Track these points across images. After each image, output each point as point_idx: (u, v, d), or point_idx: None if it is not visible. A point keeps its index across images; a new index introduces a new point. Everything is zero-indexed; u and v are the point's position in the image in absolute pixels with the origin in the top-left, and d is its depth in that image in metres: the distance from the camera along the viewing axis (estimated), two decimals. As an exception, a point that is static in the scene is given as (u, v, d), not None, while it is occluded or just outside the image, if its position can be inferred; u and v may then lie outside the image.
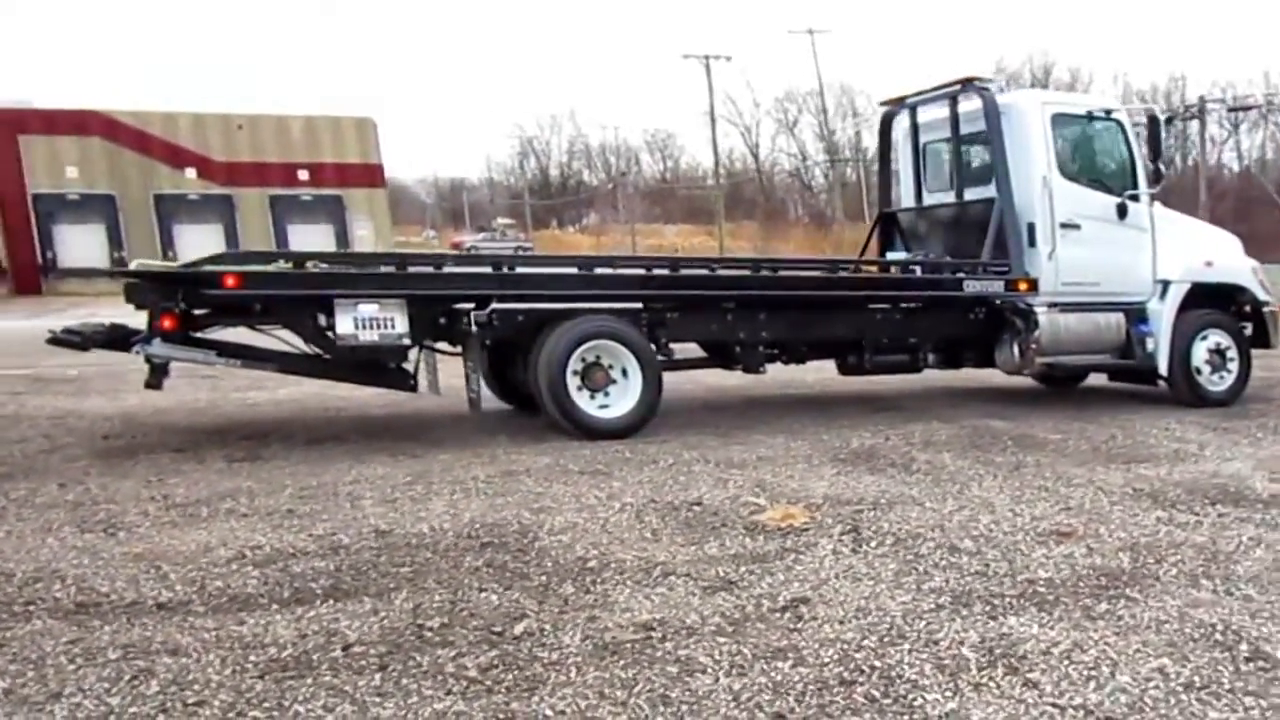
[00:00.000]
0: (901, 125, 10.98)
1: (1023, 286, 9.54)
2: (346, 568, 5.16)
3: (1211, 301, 10.21)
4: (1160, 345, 9.84)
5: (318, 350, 8.36)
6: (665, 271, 9.41)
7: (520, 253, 42.70)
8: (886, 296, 9.80)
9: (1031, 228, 9.62)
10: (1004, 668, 3.93)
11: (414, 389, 8.88)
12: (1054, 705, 3.63)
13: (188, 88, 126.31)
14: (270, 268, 8.20)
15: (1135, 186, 9.87)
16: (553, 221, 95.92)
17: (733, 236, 65.33)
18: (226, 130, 38.50)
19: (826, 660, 4.00)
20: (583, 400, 8.46)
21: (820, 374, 11.77)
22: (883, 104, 11.05)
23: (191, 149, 37.77)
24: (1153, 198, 10.10)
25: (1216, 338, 10.12)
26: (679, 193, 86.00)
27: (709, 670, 3.90)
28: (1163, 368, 9.91)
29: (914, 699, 3.67)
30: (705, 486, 6.84)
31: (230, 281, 7.72)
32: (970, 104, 9.93)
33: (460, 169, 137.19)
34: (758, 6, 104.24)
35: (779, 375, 11.48)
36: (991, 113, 9.63)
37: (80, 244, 36.16)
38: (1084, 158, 10.34)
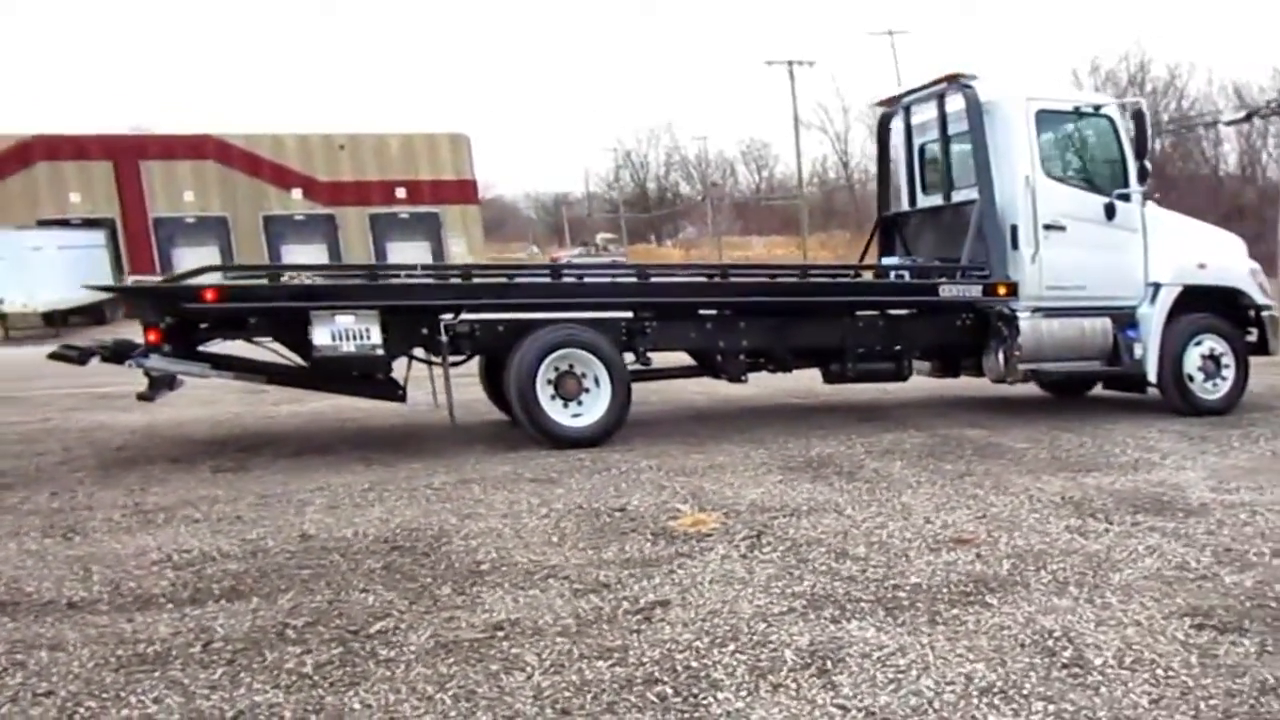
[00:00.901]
0: (898, 126, 10.91)
1: (1002, 290, 9.40)
2: (255, 570, 5.48)
3: (1207, 305, 9.90)
4: (1149, 351, 9.57)
5: (303, 362, 8.70)
6: (632, 279, 9.55)
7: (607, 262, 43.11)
8: (856, 303, 9.72)
9: (1014, 229, 9.43)
10: (815, 670, 4.04)
11: (402, 399, 9.19)
12: (840, 707, 3.73)
13: (288, 106, 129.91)
14: (246, 281, 8.57)
15: (1126, 185, 9.63)
16: (650, 235, 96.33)
17: (821, 247, 64.63)
18: (329, 150, 39.57)
19: (646, 661, 4.16)
20: (555, 409, 8.67)
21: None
22: (877, 104, 10.99)
23: (297, 170, 38.90)
24: (1145, 197, 9.85)
25: (1211, 343, 9.74)
26: (772, 204, 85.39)
27: (527, 669, 4.09)
28: (1152, 375, 9.64)
29: (705, 699, 3.80)
30: (641, 493, 7.01)
31: (209, 295, 8.14)
32: (960, 103, 9.81)
33: (563, 184, 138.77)
34: (844, 10, 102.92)
35: (794, 385, 11.54)
36: (973, 110, 9.48)
37: (196, 266, 37.51)
38: (1072, 156, 10.13)
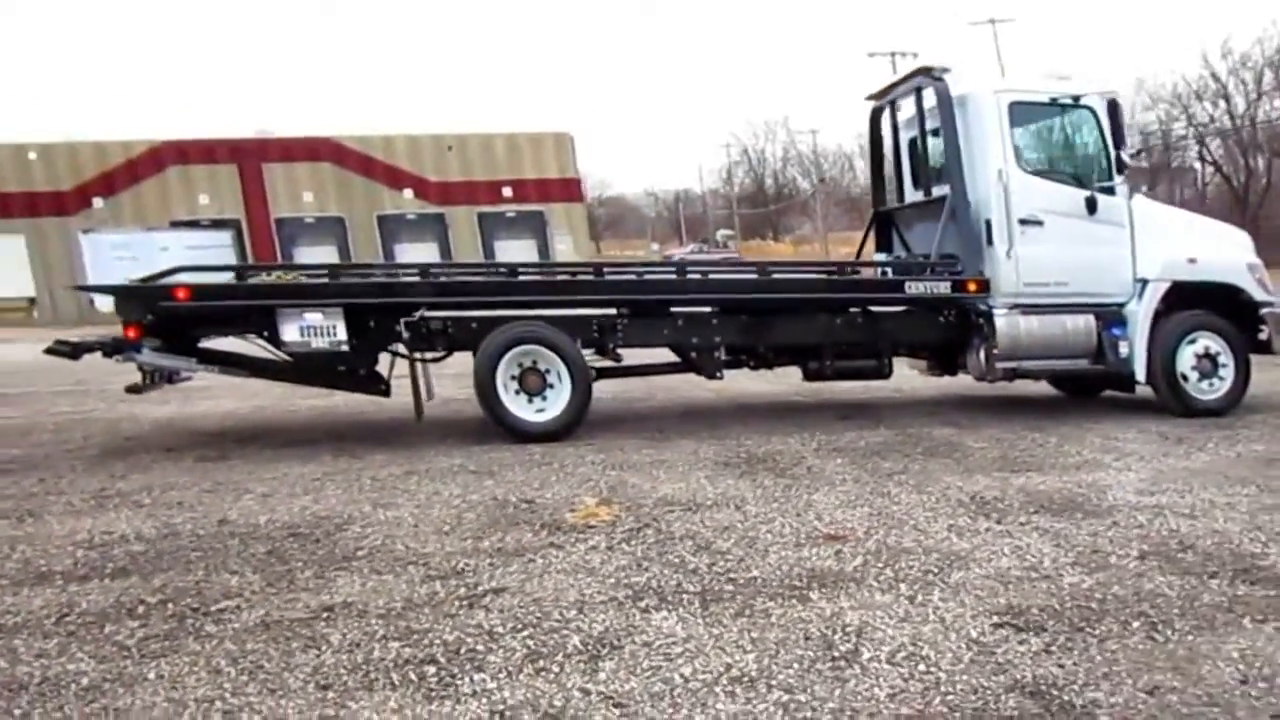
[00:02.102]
0: (887, 120, 10.81)
1: (972, 287, 9.25)
2: (154, 552, 5.85)
3: (1205, 302, 9.57)
4: (1136, 349, 9.30)
5: (283, 357, 9.12)
6: (589, 277, 9.71)
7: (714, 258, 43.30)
8: (818, 300, 9.68)
9: (989, 224, 9.29)
10: (588, 656, 4.19)
11: (386, 394, 9.53)
12: (583, 690, 3.87)
13: (400, 108, 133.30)
14: (213, 281, 9.00)
15: (1111, 178, 9.37)
16: (768, 231, 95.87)
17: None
18: (438, 151, 40.56)
19: (439, 643, 4.36)
20: (517, 404, 8.91)
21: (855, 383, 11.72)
22: (868, 98, 10.90)
23: (408, 170, 39.98)
24: (1134, 190, 9.56)
25: (1206, 341, 9.39)
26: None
27: (324, 648, 4.33)
28: (1140, 374, 9.37)
29: (462, 679, 3.99)
30: (563, 486, 7.20)
31: (181, 294, 8.61)
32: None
33: (685, 181, 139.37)
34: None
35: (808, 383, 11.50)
36: (944, 104, 9.32)
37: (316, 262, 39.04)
38: (1050, 148, 9.86)
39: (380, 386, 9.40)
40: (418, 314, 8.77)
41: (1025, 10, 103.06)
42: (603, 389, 10.85)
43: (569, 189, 43.49)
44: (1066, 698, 3.71)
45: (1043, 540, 5.65)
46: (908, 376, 11.42)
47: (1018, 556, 5.36)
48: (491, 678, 3.99)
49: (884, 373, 9.80)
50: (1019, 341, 9.22)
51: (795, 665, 4.04)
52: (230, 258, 33.36)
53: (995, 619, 4.49)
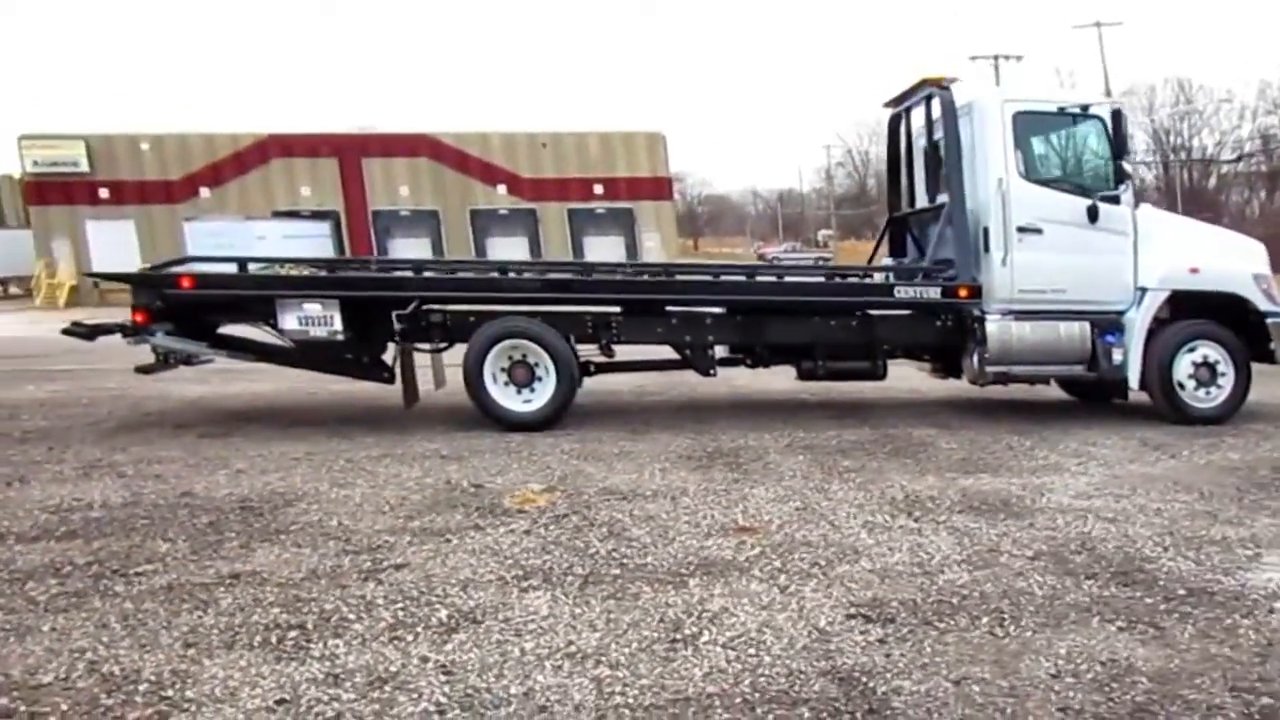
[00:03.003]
0: (903, 128, 10.84)
1: (962, 293, 9.25)
2: (109, 518, 6.23)
3: (1208, 312, 9.42)
4: (1130, 357, 9.19)
5: (289, 344, 9.52)
6: (570, 276, 9.91)
7: (819, 263, 43.28)
8: (809, 303, 9.75)
9: (987, 232, 9.29)
10: (448, 628, 4.43)
11: (390, 381, 9.85)
12: (423, 659, 4.10)
13: (497, 105, 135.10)
14: (216, 270, 9.44)
15: (1115, 187, 9.28)
16: (868, 231, 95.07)
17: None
18: (532, 148, 41.32)
19: (316, 611, 4.62)
20: (507, 395, 9.18)
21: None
22: (885, 105, 10.92)
23: (502, 166, 40.82)
24: (1137, 199, 9.47)
25: (1205, 350, 9.25)
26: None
27: (208, 610, 4.63)
28: (1133, 381, 9.25)
29: (318, 643, 4.25)
30: (516, 473, 7.44)
31: (185, 283, 9.07)
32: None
33: (784, 180, 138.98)
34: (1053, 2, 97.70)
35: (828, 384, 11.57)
36: (948, 112, 9.38)
37: (410, 256, 39.98)
38: (1055, 158, 9.79)
39: (384, 375, 9.73)
40: (411, 307, 9.06)
41: (1134, 12, 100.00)
42: (620, 382, 11.11)
43: (659, 187, 43.79)
44: (871, 685, 3.82)
45: (948, 538, 5.71)
46: (925, 379, 11.41)
47: (912, 553, 5.44)
48: (346, 644, 4.24)
49: (878, 374, 9.84)
50: (1010, 347, 9.20)
51: (633, 645, 4.21)
52: (329, 248, 34.49)
53: (852, 610, 4.59)
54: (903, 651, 4.13)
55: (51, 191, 34.70)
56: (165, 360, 9.81)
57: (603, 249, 39.73)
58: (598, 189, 42.44)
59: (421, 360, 9.78)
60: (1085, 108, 9.38)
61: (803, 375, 9.95)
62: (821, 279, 10.40)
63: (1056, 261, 9.23)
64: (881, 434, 8.99)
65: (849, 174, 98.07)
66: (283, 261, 10.71)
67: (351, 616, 4.55)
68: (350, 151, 39.11)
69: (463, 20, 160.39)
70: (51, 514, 6.35)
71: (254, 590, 4.90)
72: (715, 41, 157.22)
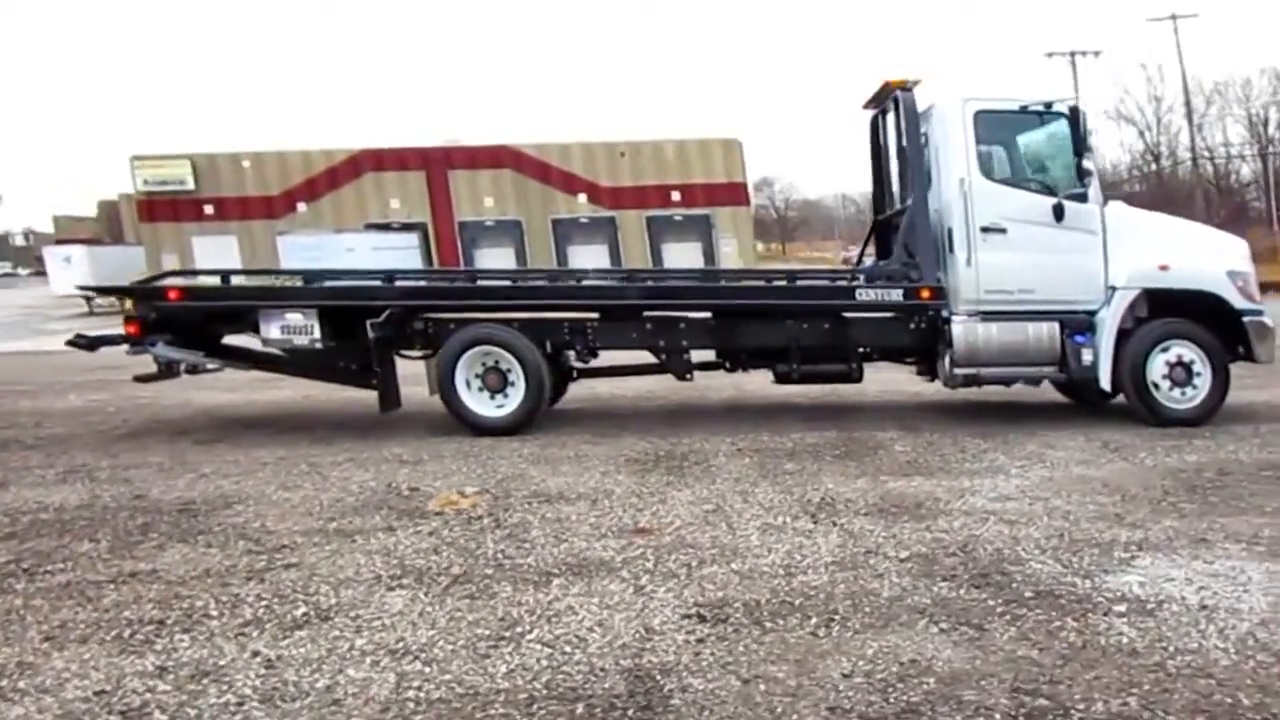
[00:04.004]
0: (881, 129, 10.77)
1: (925, 295, 9.19)
2: (55, 519, 6.60)
3: (1183, 310, 9.18)
4: (1101, 358, 9.01)
5: (279, 353, 9.89)
6: (543, 284, 10.07)
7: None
8: (770, 307, 9.76)
9: (951, 233, 9.23)
10: (297, 623, 4.62)
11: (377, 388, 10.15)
12: (254, 653, 4.30)
13: (579, 114, 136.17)
14: (201, 283, 9.84)
15: (1084, 185, 9.11)
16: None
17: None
18: (611, 157, 41.95)
19: (182, 606, 4.87)
20: (479, 401, 9.42)
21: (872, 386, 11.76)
22: (865, 106, 10.85)
23: (582, 176, 41.51)
24: (1107, 196, 9.30)
25: (1180, 350, 9.03)
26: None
27: (83, 606, 4.90)
28: (1104, 382, 9.07)
29: (165, 637, 4.48)
30: (459, 477, 7.65)
31: (173, 295, 9.48)
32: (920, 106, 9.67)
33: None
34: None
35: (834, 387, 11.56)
36: (909, 115, 9.34)
37: (495, 265, 40.85)
38: (1020, 157, 9.62)
39: (372, 381, 10.01)
40: (384, 315, 9.33)
41: (1229, 3, 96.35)
42: (631, 386, 11.23)
43: (735, 193, 43.88)
44: (662, 683, 3.91)
45: (835, 540, 5.75)
46: (931, 383, 11.28)
47: (788, 555, 5.49)
48: (192, 639, 4.46)
49: (853, 377, 9.83)
50: (976, 348, 9.10)
51: (459, 642, 4.36)
52: (417, 259, 35.33)
53: (693, 611, 4.67)
54: (714, 651, 4.19)
55: (161, 209, 36.35)
56: (168, 369, 10.24)
57: (680, 255, 40.02)
58: (675, 196, 42.71)
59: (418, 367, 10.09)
60: (1049, 105, 9.23)
61: (778, 379, 9.98)
62: (783, 283, 10.35)
63: (1022, 261, 9.11)
64: (845, 437, 8.97)
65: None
66: (274, 273, 11.07)
67: (214, 613, 4.78)
68: (437, 164, 40.11)
69: (548, 30, 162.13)
70: (5, 516, 6.73)
71: (140, 588, 5.16)
72: (799, 44, 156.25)
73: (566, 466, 7.95)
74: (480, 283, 9.95)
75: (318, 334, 9.41)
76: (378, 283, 10.08)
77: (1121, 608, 4.55)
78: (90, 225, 47.32)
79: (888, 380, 11.85)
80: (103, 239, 42.41)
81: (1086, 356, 9.01)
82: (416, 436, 9.36)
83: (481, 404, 9.43)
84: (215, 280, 10.00)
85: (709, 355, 10.27)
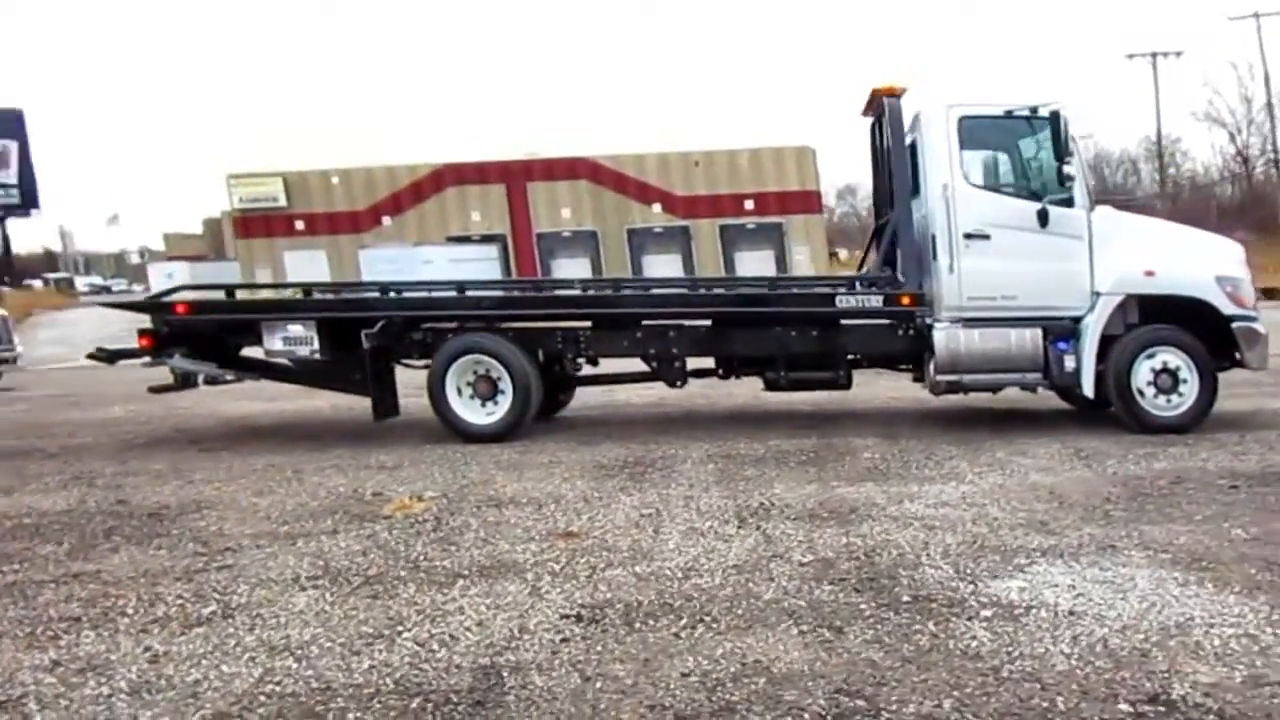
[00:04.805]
0: (878, 135, 10.75)
1: (905, 301, 9.18)
2: (37, 524, 6.98)
3: (1172, 316, 9.02)
4: (1084, 364, 8.89)
5: (286, 364, 10.27)
6: (531, 294, 10.26)
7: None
8: (753, 314, 9.82)
9: (934, 239, 9.21)
10: (197, 622, 4.87)
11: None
12: (145, 647, 4.56)
13: (649, 124, 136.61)
14: (207, 297, 10.24)
15: (1066, 190, 9.02)
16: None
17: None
18: (685, 167, 42.23)
19: (106, 604, 5.15)
20: (470, 408, 9.67)
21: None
22: (863, 114, 10.85)
23: (656, 185, 41.88)
24: (1093, 201, 9.19)
25: (1165, 356, 8.85)
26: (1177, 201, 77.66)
27: (17, 604, 5.22)
28: (1087, 389, 8.94)
29: (74, 633, 4.76)
30: (425, 482, 7.91)
31: (180, 309, 9.91)
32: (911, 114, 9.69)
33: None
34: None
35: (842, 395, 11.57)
36: (893, 121, 9.37)
37: (571, 275, 41.44)
38: (1004, 162, 9.56)
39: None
40: (378, 326, 9.62)
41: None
42: (646, 394, 11.60)
43: (808, 201, 43.71)
44: (506, 679, 4.06)
45: (749, 544, 5.84)
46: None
47: (695, 558, 5.59)
48: (97, 635, 4.74)
49: (841, 383, 9.85)
50: (958, 355, 9.06)
51: (339, 640, 4.56)
52: (496, 271, 36.02)
53: (574, 611, 4.81)
54: (572, 650, 4.33)
55: (255, 225, 37.53)
56: (184, 380, 10.67)
57: (753, 263, 39.98)
58: (748, 204, 42.73)
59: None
60: (1034, 110, 9.15)
61: (768, 385, 10.06)
62: (764, 290, 10.41)
63: (1006, 267, 9.05)
64: (822, 444, 9.00)
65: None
66: (280, 286, 11.46)
67: (130, 611, 5.06)
68: (516, 177, 40.81)
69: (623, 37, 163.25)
70: (-11, 520, 7.14)
71: (76, 588, 5.47)
72: (872, 50, 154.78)
73: (533, 472, 8.13)
74: (469, 293, 10.13)
75: (317, 345, 9.75)
76: (374, 294, 10.39)
77: (989, 613, 4.56)
78: (197, 242, 48.91)
79: (899, 387, 11.81)
80: (207, 255, 43.85)
81: (1069, 363, 8.91)
82: (408, 444, 9.62)
83: (472, 411, 9.67)
84: (221, 294, 10.40)
85: (708, 362, 10.40)
